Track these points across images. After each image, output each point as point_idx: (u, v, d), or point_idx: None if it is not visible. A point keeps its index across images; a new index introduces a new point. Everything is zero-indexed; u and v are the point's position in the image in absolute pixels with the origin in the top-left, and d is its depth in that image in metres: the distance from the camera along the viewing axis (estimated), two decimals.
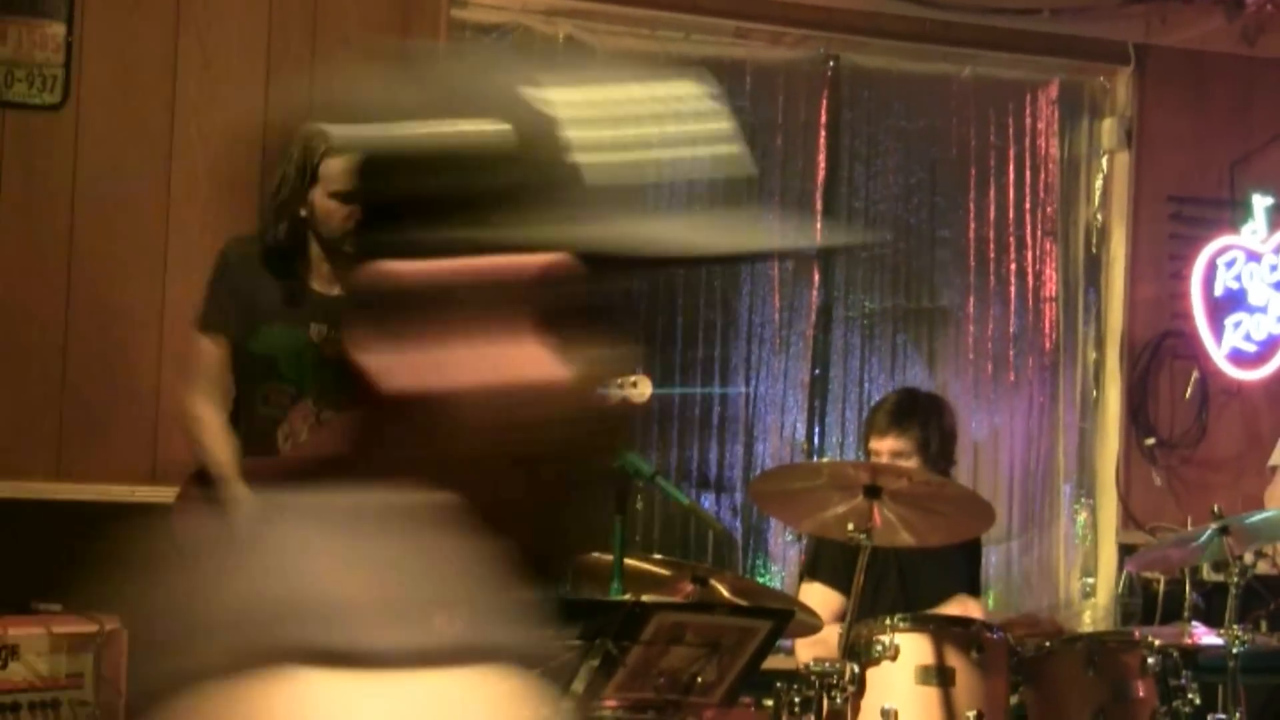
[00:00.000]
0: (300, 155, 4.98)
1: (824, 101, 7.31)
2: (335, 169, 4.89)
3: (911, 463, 5.83)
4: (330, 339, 5.13)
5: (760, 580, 6.92)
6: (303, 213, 4.99)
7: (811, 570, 5.93)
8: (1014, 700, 5.35)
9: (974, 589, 6.25)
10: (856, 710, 5.16)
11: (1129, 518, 7.44)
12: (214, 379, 5.19)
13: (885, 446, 5.85)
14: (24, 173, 6.29)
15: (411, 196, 1.49)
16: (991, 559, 7.38)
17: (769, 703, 5.14)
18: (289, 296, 5.15)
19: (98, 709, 5.54)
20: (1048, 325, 7.61)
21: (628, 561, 5.07)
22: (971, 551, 6.25)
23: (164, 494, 5.68)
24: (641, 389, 5.08)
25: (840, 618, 5.39)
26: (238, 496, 5.02)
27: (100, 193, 6.30)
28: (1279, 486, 6.36)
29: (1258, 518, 5.85)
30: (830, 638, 5.35)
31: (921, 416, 5.87)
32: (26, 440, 6.21)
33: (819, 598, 5.63)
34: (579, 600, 5.21)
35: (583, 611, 4.43)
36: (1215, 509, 5.87)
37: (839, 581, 5.46)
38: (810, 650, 5.48)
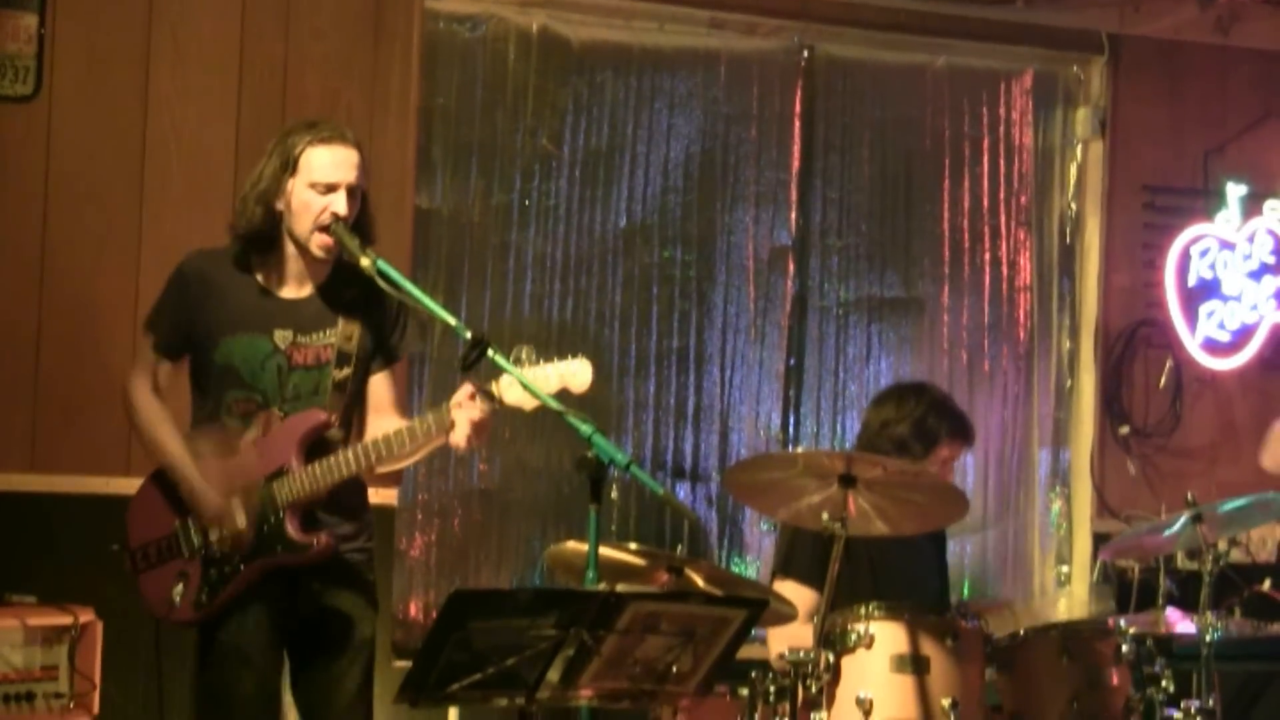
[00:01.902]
0: (281, 148, 5.00)
1: (798, 92, 7.33)
2: (316, 160, 4.96)
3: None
4: (297, 344, 5.17)
5: (735, 570, 6.94)
6: (279, 205, 4.99)
7: (784, 568, 5.92)
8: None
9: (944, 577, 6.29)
10: (832, 699, 5.16)
11: (1103, 506, 7.48)
12: (150, 370, 5.22)
13: (957, 454, 6.00)
14: None
15: None
16: (966, 548, 7.42)
17: (744, 692, 5.17)
18: (250, 304, 5.15)
19: (72, 700, 5.54)
20: (1022, 315, 7.63)
21: (603, 551, 4.98)
22: (941, 540, 6.28)
23: (138, 486, 5.68)
24: (581, 376, 5.07)
25: (814, 615, 5.39)
26: (188, 485, 5.07)
27: (73, 185, 6.30)
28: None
29: (1231, 505, 5.86)
30: (802, 633, 5.36)
31: None
32: (1, 433, 6.21)
33: (792, 596, 5.64)
34: (554, 590, 5.21)
35: (557, 601, 4.42)
36: (1189, 497, 5.89)
37: (812, 578, 5.47)
38: (783, 642, 5.50)
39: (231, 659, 5.12)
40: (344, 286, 5.17)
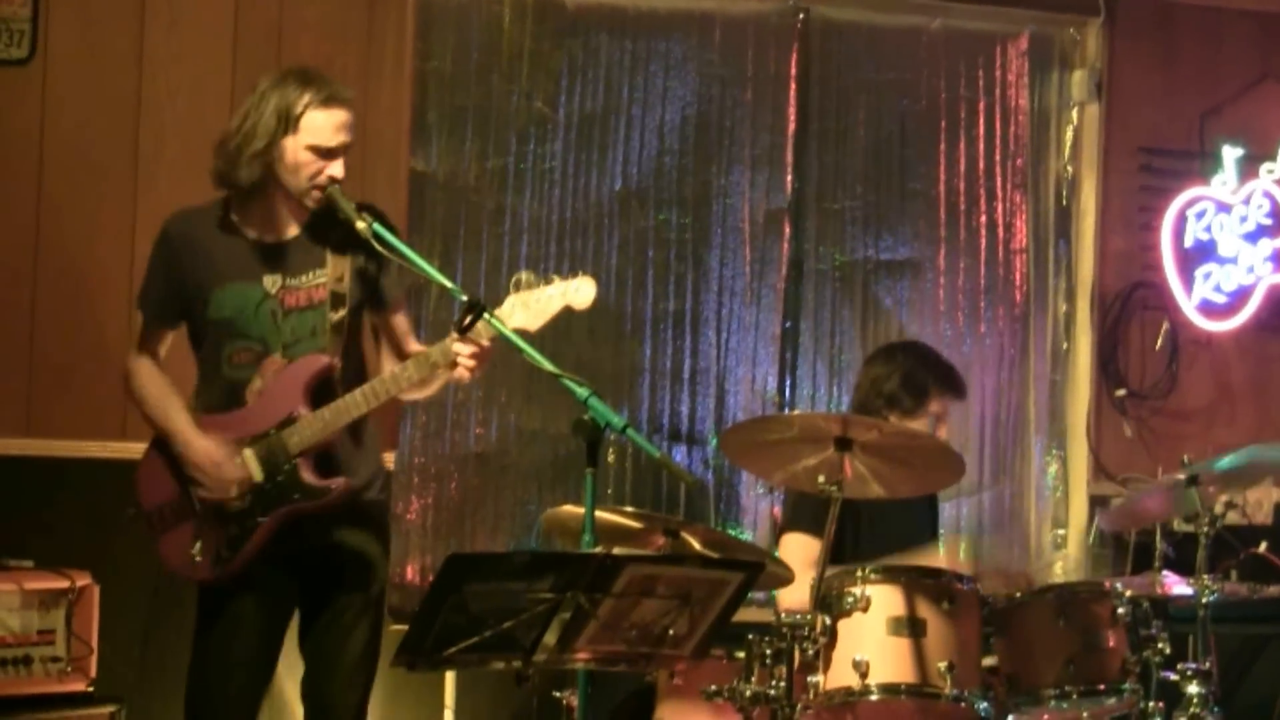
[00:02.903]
0: (279, 100, 5.01)
1: (794, 54, 7.32)
2: (317, 122, 4.98)
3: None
4: (288, 287, 5.20)
5: (732, 533, 6.93)
6: (275, 158, 5.02)
7: (792, 521, 5.96)
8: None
9: (935, 534, 6.30)
10: (828, 662, 5.18)
11: (1100, 468, 7.50)
12: (150, 346, 5.29)
13: (947, 408, 6.04)
14: None
15: None
16: (963, 510, 7.43)
17: (741, 655, 5.16)
18: (237, 255, 5.18)
19: (69, 664, 5.56)
20: (1018, 277, 7.63)
21: (599, 514, 5.04)
22: (934, 507, 6.30)
23: (135, 449, 5.68)
24: (584, 292, 5.19)
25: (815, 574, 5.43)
26: (189, 448, 5.10)
27: (68, 149, 6.32)
28: None
29: (1225, 462, 5.87)
30: (803, 592, 5.38)
31: None
32: (2, 393, 6.23)
33: (802, 549, 5.65)
34: (551, 553, 5.23)
35: (554, 564, 4.42)
36: (1185, 459, 5.91)
37: (817, 530, 5.48)
38: (793, 597, 5.52)
39: (227, 615, 5.17)
40: (327, 228, 5.18)
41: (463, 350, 5.03)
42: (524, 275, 5.12)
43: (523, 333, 5.06)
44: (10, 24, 6.26)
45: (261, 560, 5.14)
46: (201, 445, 5.09)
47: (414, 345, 5.39)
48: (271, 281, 5.20)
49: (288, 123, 4.99)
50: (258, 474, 5.12)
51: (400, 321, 5.43)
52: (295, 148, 5.00)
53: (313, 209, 5.11)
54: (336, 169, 5.04)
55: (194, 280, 5.20)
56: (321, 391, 5.19)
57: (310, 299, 5.21)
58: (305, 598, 5.37)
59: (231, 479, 5.08)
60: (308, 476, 5.15)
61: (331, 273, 5.22)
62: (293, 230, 5.20)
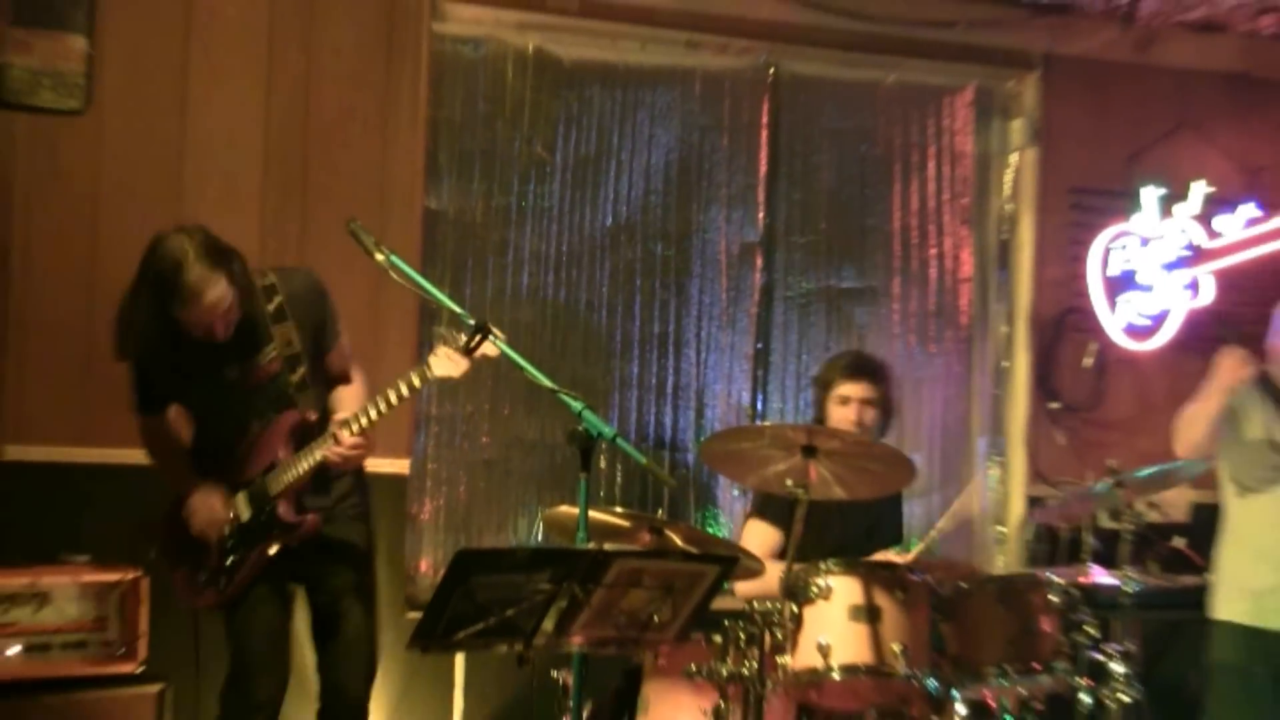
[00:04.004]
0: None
1: (765, 105, 7.32)
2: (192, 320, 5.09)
3: (873, 411, 5.93)
4: (248, 372, 5.31)
5: (710, 530, 6.94)
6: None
7: (760, 511, 5.97)
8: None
9: (899, 539, 6.29)
10: (795, 644, 5.19)
11: (1036, 473, 7.49)
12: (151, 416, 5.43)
13: (857, 392, 5.95)
14: (51, 171, 6.26)
15: None
16: (915, 510, 7.41)
17: (718, 638, 5.17)
18: (196, 362, 5.25)
19: (121, 648, 5.55)
20: (964, 303, 7.63)
21: (592, 514, 5.06)
22: (897, 502, 6.29)
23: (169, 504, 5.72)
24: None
25: (779, 554, 5.41)
26: (190, 499, 5.29)
27: (119, 188, 6.29)
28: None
29: (1147, 472, 5.89)
30: (770, 577, 5.38)
31: (885, 374, 6.03)
32: (56, 410, 6.21)
33: (761, 534, 5.67)
34: (549, 549, 5.23)
35: (552, 559, 4.42)
36: (1111, 465, 5.91)
37: (781, 521, 5.49)
38: (752, 591, 5.52)
39: (246, 606, 5.33)
40: (258, 310, 5.27)
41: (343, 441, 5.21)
42: (444, 331, 5.19)
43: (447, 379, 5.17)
44: (68, 79, 6.24)
45: (259, 579, 5.34)
46: (198, 497, 5.29)
47: (344, 384, 5.54)
48: (231, 370, 5.31)
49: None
50: (245, 514, 5.31)
51: (333, 361, 5.52)
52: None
53: (239, 300, 5.14)
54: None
55: (169, 386, 5.36)
56: (302, 437, 5.34)
57: (269, 372, 5.33)
58: (311, 597, 5.57)
59: (222, 521, 5.28)
60: (285, 513, 5.32)
61: (279, 342, 5.32)
62: (228, 327, 5.20)
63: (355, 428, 5.20)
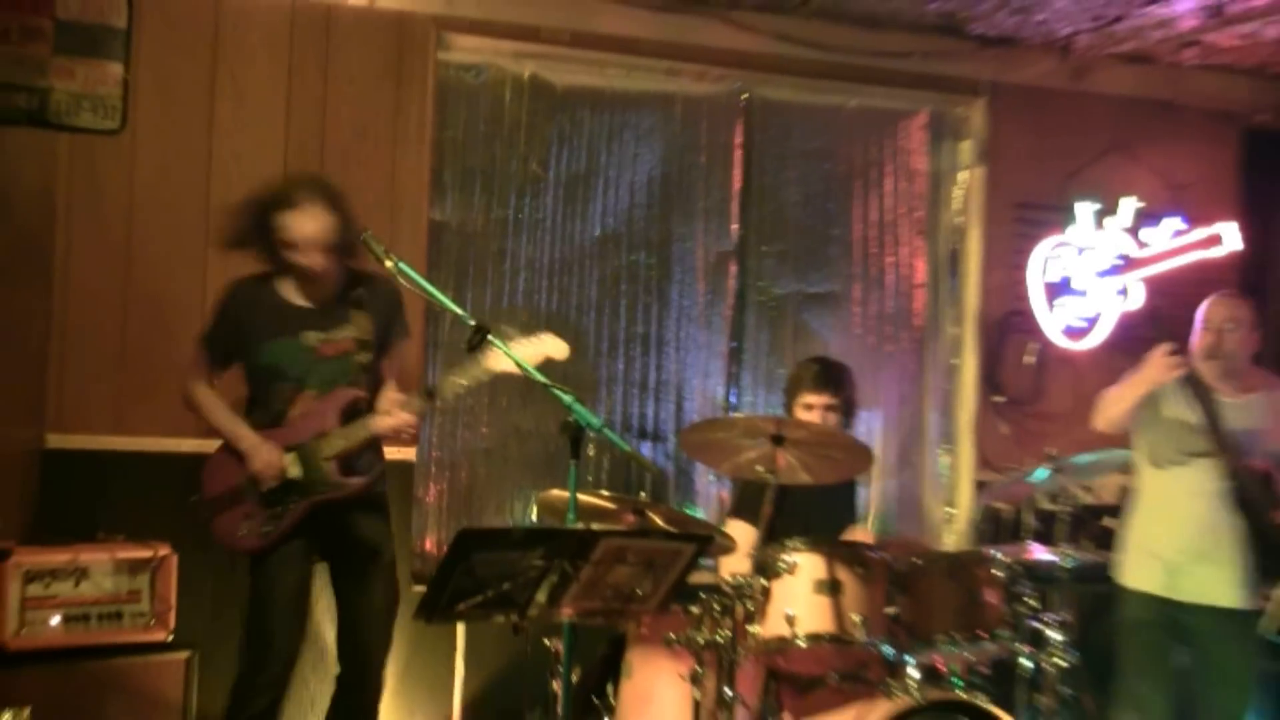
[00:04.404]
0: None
1: (738, 127, 7.31)
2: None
3: (835, 415, 5.93)
4: (323, 340, 5.44)
5: (688, 512, 6.92)
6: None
7: (736, 511, 5.97)
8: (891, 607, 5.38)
9: (855, 518, 6.29)
10: (764, 615, 5.19)
11: (982, 460, 7.49)
12: (206, 373, 5.49)
13: (821, 401, 5.92)
14: (90, 185, 6.24)
15: None
16: (874, 493, 7.43)
17: (695, 610, 5.18)
18: (283, 316, 5.40)
19: (152, 618, 5.55)
20: (918, 306, 7.64)
21: (581, 497, 5.11)
22: (851, 488, 6.28)
23: (205, 445, 5.71)
24: (557, 349, 5.37)
25: (754, 546, 5.41)
26: (253, 445, 5.32)
27: (152, 201, 6.29)
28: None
29: (1082, 459, 5.92)
30: (744, 560, 5.38)
31: (846, 381, 6.00)
32: (93, 403, 6.19)
33: (740, 530, 5.67)
34: (541, 529, 5.21)
35: (544, 538, 4.41)
36: (1050, 453, 5.92)
37: (755, 517, 5.47)
38: (732, 567, 5.52)
39: (274, 563, 5.37)
40: (350, 292, 5.45)
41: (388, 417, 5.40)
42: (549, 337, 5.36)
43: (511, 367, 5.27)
44: (105, 101, 6.22)
45: (292, 535, 5.36)
46: (262, 444, 5.32)
47: (388, 389, 5.61)
48: (312, 336, 5.42)
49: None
50: (294, 472, 5.33)
51: (388, 363, 5.63)
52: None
53: (339, 280, 5.40)
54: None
55: (252, 334, 5.41)
56: (351, 414, 5.42)
57: (341, 349, 5.43)
58: (332, 563, 5.60)
59: (279, 467, 5.31)
60: (334, 475, 5.36)
61: (355, 326, 5.43)
62: (321, 296, 5.42)
63: (409, 407, 5.40)
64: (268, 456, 5.32)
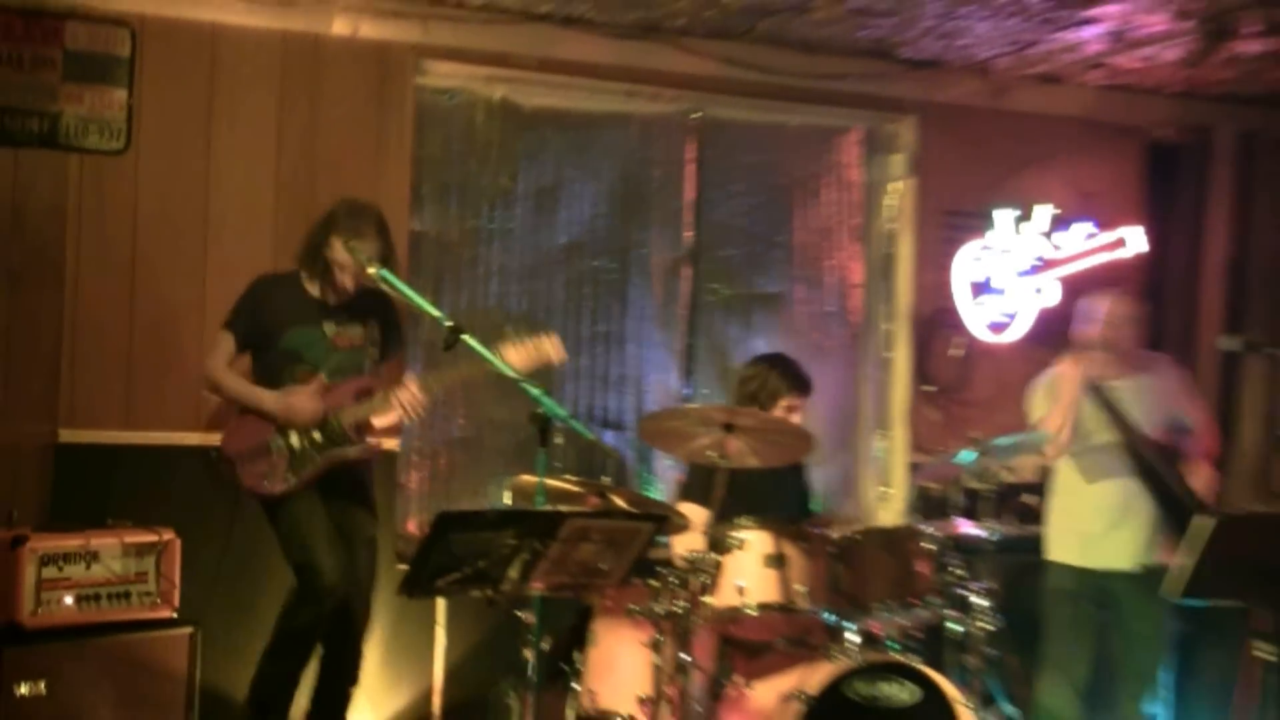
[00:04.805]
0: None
1: (691, 143, 7.30)
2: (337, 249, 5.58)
3: (804, 412, 6.02)
4: (339, 332, 5.69)
5: (647, 494, 6.96)
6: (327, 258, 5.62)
7: (686, 493, 5.97)
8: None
9: (807, 503, 6.29)
10: (717, 587, 5.24)
11: (914, 444, 7.52)
12: (229, 358, 5.68)
13: (802, 403, 6.00)
14: (97, 202, 6.20)
15: None
16: (816, 475, 7.46)
17: (654, 583, 5.20)
18: (306, 308, 5.66)
19: (158, 598, 5.57)
20: (854, 305, 7.66)
21: (549, 481, 5.12)
22: (799, 472, 6.29)
23: (207, 439, 5.72)
24: (555, 350, 5.67)
25: (704, 527, 5.41)
26: (285, 402, 5.57)
27: (155, 216, 6.27)
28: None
29: (1003, 441, 5.97)
30: (698, 537, 5.39)
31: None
32: (103, 400, 6.15)
33: (691, 511, 5.67)
34: (513, 510, 5.22)
35: (516, 519, 4.43)
36: (975, 436, 5.97)
37: (703, 498, 5.49)
38: (683, 546, 5.53)
39: (295, 503, 5.60)
40: (363, 298, 5.69)
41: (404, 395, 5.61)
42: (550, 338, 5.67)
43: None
44: (111, 124, 6.19)
45: (309, 488, 5.59)
46: (289, 393, 5.59)
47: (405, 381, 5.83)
48: (329, 328, 5.68)
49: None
50: (317, 435, 5.59)
51: (389, 369, 5.95)
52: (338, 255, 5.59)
53: (357, 288, 5.64)
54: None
55: (272, 319, 5.64)
56: (362, 398, 5.68)
57: (352, 343, 5.71)
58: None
59: (313, 409, 5.57)
60: (352, 434, 5.64)
61: (368, 328, 5.74)
62: (345, 298, 5.68)
63: (434, 387, 5.68)
64: (299, 402, 5.54)
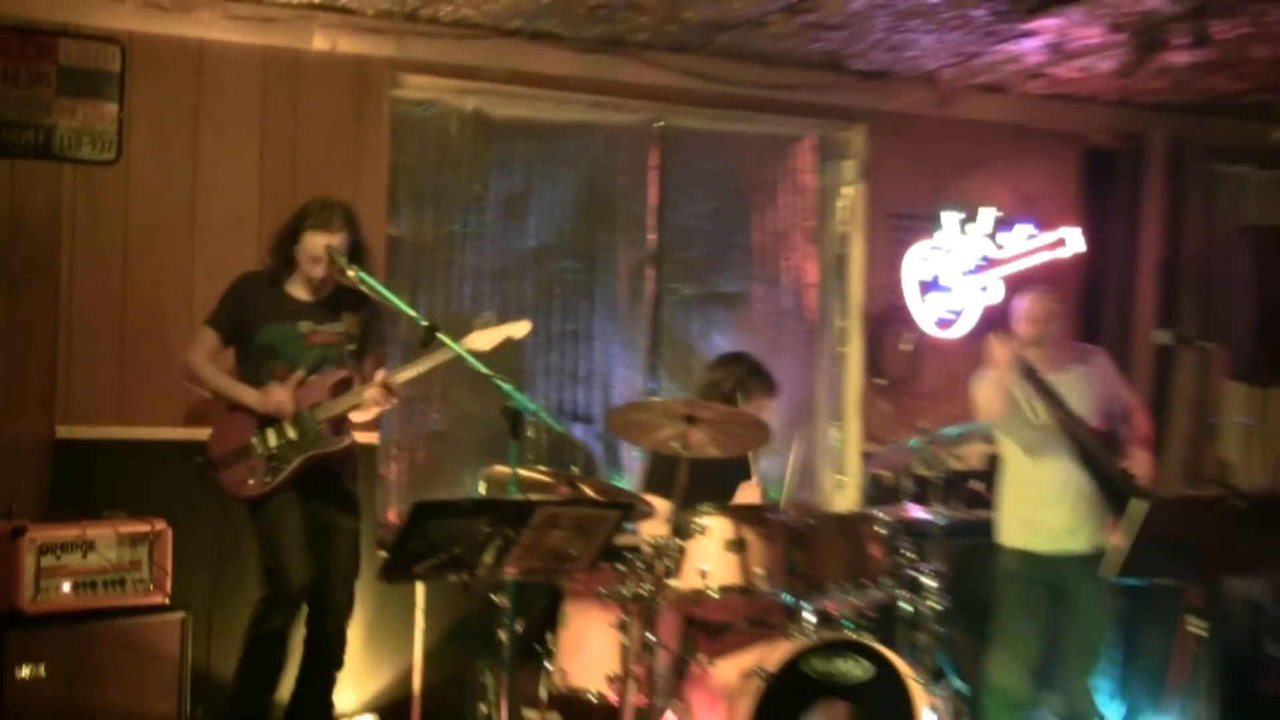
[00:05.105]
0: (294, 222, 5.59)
1: (653, 151, 7.31)
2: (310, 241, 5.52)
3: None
4: (314, 330, 5.58)
5: (614, 483, 6.95)
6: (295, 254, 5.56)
7: (647, 486, 5.99)
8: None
9: (749, 476, 6.32)
10: (681, 571, 5.26)
11: (867, 433, 7.52)
12: (210, 353, 5.63)
13: (774, 403, 6.10)
14: (91, 209, 6.19)
15: None
16: (775, 464, 7.44)
17: (621, 567, 5.22)
18: (283, 306, 5.57)
19: (151, 585, 5.55)
20: (809, 303, 7.67)
21: (521, 472, 5.12)
22: (744, 457, 6.31)
23: (195, 434, 5.71)
24: (521, 328, 5.61)
25: (668, 516, 5.43)
26: (261, 396, 5.50)
27: (145, 221, 6.25)
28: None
29: (950, 431, 5.99)
30: (662, 524, 5.41)
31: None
32: (97, 398, 6.15)
33: (654, 501, 5.68)
34: (487, 499, 5.23)
35: (489, 507, 4.46)
36: (924, 426, 5.99)
37: (663, 489, 5.51)
38: (648, 530, 5.55)
39: (272, 507, 5.51)
40: (342, 295, 5.61)
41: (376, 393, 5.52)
42: (486, 315, 5.59)
43: (477, 352, 5.41)
44: (103, 136, 6.18)
45: (287, 488, 5.48)
46: (267, 389, 5.51)
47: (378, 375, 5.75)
48: (305, 325, 5.58)
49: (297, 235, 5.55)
50: (292, 434, 5.48)
51: (370, 364, 5.77)
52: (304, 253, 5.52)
53: (333, 284, 5.58)
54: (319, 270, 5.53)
55: (251, 315, 5.56)
56: (340, 391, 5.58)
57: (329, 340, 5.59)
58: (307, 526, 5.62)
59: (289, 401, 5.49)
60: (326, 433, 5.53)
61: (345, 322, 5.61)
62: (320, 295, 5.60)
63: (400, 379, 5.54)
64: (275, 396, 5.47)
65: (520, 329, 5.62)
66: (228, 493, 5.50)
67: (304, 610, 5.62)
